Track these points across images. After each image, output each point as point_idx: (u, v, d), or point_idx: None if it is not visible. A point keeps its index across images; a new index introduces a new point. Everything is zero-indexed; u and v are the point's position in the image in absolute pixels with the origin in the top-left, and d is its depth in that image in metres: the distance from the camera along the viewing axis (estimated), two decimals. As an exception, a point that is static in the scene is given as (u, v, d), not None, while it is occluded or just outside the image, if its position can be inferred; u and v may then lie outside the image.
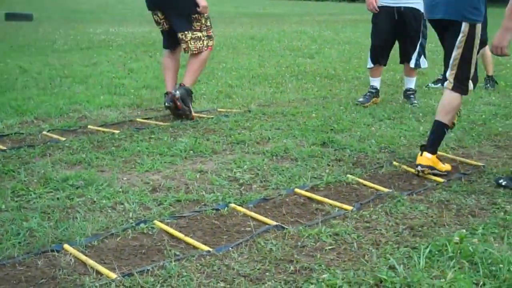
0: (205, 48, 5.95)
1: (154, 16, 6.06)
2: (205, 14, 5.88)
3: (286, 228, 3.21)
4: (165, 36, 6.16)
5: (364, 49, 12.50)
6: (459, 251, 2.89)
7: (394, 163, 4.44)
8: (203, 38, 5.90)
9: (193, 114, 5.89)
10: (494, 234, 3.17)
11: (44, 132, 5.29)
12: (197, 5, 5.77)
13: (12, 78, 8.20)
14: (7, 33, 14.92)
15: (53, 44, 12.44)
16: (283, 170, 4.26)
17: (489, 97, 7.18)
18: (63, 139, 5.02)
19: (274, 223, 3.29)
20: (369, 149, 4.81)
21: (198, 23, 5.87)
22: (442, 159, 4.48)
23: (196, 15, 5.83)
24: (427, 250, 2.91)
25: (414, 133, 5.36)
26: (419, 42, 6.62)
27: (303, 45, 13.15)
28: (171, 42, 6.08)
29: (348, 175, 4.14)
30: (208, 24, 5.95)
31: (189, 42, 5.86)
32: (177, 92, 5.75)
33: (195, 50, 5.91)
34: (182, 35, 5.86)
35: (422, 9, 5.90)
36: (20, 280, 2.67)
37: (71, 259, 2.86)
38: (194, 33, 5.85)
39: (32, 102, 6.51)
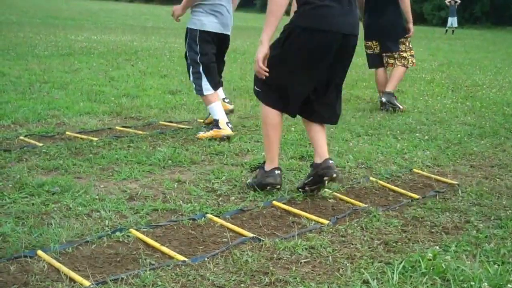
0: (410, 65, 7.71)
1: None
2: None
3: (263, 240, 3.22)
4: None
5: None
6: (432, 268, 2.91)
7: (371, 178, 4.47)
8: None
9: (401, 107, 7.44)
10: (466, 251, 3.21)
11: (21, 137, 5.25)
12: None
13: (-10, 82, 8.14)
14: (-13, 37, 14.82)
15: (33, 49, 12.37)
16: (260, 183, 4.26)
17: (465, 117, 7.27)
18: (40, 144, 4.99)
19: (251, 234, 3.29)
20: (347, 164, 4.84)
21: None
22: (417, 177, 4.53)
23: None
24: (401, 265, 2.93)
25: (391, 149, 5.40)
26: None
27: (284, 59, 13.18)
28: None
29: (325, 189, 4.16)
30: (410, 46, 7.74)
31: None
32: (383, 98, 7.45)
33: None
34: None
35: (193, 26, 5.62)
36: (-8, 285, 2.65)
37: (44, 266, 2.83)
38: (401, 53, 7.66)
39: (9, 106, 6.47)
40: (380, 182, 4.42)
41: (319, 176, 3.91)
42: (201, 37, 5.64)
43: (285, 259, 3.03)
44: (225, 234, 3.33)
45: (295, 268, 2.92)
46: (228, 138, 5.54)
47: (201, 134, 5.57)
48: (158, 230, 3.35)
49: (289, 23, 3.83)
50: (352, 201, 3.99)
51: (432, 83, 10.50)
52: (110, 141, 5.24)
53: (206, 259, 2.98)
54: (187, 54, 5.81)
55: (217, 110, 5.68)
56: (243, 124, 6.22)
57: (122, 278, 2.72)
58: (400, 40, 7.67)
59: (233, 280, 2.77)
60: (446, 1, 33.98)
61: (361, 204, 3.92)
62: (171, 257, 2.99)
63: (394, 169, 4.79)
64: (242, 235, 3.32)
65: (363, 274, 2.87)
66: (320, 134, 4.04)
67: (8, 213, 3.46)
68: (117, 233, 3.22)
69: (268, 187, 3.97)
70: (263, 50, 3.71)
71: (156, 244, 3.12)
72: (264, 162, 4.07)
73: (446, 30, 32.45)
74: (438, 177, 4.62)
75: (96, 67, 10.45)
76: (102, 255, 2.99)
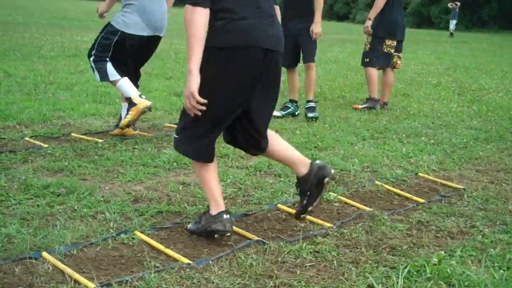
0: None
1: None
2: None
3: (267, 243, 3.21)
4: None
5: (350, 68, 12.60)
6: (437, 273, 2.90)
7: (376, 182, 4.46)
8: None
9: None
10: (472, 256, 3.20)
11: (27, 138, 5.26)
12: None
13: (-4, 82, 8.16)
14: (-7, 37, 14.86)
15: (39, 50, 12.39)
16: (266, 186, 4.26)
17: (471, 121, 7.25)
18: (46, 146, 5.00)
19: (255, 238, 3.29)
20: (352, 168, 4.83)
21: None
22: (423, 181, 4.52)
23: None
24: (406, 270, 2.92)
25: (396, 153, 5.39)
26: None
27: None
28: None
29: (330, 193, 4.15)
30: None
31: None
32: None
33: None
34: None
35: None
36: (-4, 287, 2.65)
37: (49, 267, 2.84)
38: None
39: (15, 107, 6.48)
40: (386, 186, 4.41)
41: (317, 184, 3.40)
42: (119, 40, 5.37)
43: (289, 262, 3.03)
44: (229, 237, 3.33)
45: (299, 272, 2.92)
46: (149, 109, 5.43)
47: (123, 122, 5.39)
48: (162, 233, 3.35)
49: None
50: (357, 205, 3.98)
51: (438, 86, 10.48)
52: (115, 143, 5.24)
53: (210, 262, 2.98)
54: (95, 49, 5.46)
55: (127, 87, 5.38)
56: (248, 127, 6.20)
57: (127, 281, 2.71)
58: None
59: (238, 284, 2.77)
60: (448, 4, 33.98)
61: (366, 208, 3.91)
62: (175, 260, 2.99)
63: (399, 173, 4.77)
64: (246, 238, 3.32)
65: (368, 278, 2.86)
66: (283, 146, 3.60)
67: (13, 214, 3.46)
68: (122, 235, 3.22)
69: (216, 235, 3.24)
70: (194, 80, 3.07)
71: (161, 247, 3.12)
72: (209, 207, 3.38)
73: (451, 33, 32.40)
74: (443, 182, 4.60)
75: (102, 68, 10.43)
76: (107, 257, 2.99)
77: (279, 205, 3.86)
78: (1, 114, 6.10)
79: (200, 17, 3.03)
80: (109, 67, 5.39)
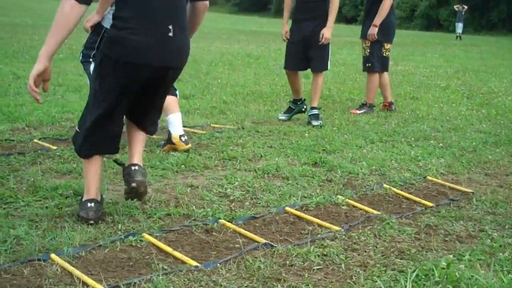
0: None
1: None
2: None
3: (275, 246, 3.21)
4: None
5: (359, 71, 12.57)
6: (445, 277, 2.89)
7: (385, 185, 4.45)
8: None
9: None
10: (480, 260, 3.18)
11: (35, 140, 5.28)
12: None
13: (5, 84, 8.20)
14: (1, 39, 14.93)
15: (48, 52, 12.40)
16: (274, 188, 4.26)
17: (480, 124, 7.23)
18: (54, 147, 5.01)
19: (263, 240, 3.29)
20: (360, 171, 4.82)
21: None
22: (431, 184, 4.51)
23: None
24: (414, 274, 2.92)
25: (405, 157, 5.38)
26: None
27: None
28: None
29: (339, 196, 4.15)
30: None
31: None
32: None
33: None
34: None
35: None
36: (5, 288, 2.66)
37: (57, 269, 2.84)
38: None
39: (24, 109, 6.51)
40: (394, 189, 4.40)
41: (125, 181, 3.59)
42: None
43: (297, 265, 3.02)
44: (237, 239, 3.33)
45: (307, 275, 2.91)
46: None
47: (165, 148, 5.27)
48: (170, 235, 3.35)
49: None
50: (365, 208, 3.97)
51: (447, 89, 10.45)
52: (123, 145, 5.23)
53: (218, 264, 2.97)
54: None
55: (173, 122, 5.26)
56: (256, 129, 6.21)
57: (135, 283, 2.72)
58: None
59: (246, 286, 2.77)
60: (454, 7, 33.92)
61: (374, 211, 3.91)
62: (183, 262, 2.99)
63: (408, 177, 4.76)
64: (254, 241, 3.31)
65: (376, 282, 2.85)
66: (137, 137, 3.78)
67: (22, 216, 3.48)
68: (130, 238, 3.22)
69: (83, 222, 3.38)
70: (37, 66, 3.15)
71: (169, 249, 3.12)
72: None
73: (457, 37, 32.31)
74: (452, 185, 4.59)
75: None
76: (115, 259, 2.99)
77: (287, 208, 3.86)
78: (10, 116, 6.12)
79: (70, 10, 3.13)
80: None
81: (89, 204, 3.41)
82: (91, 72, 3.51)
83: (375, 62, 7.55)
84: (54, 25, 3.10)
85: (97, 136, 3.46)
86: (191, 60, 12.64)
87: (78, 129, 3.53)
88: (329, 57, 6.80)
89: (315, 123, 6.60)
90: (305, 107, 7.01)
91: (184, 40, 3.48)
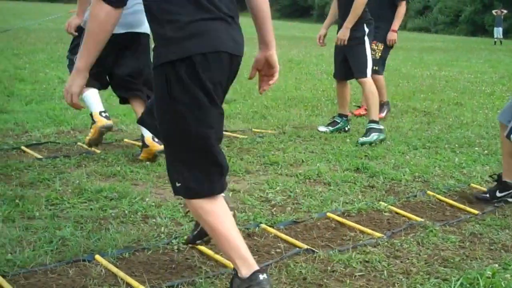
0: None
1: None
2: None
3: (316, 252, 3.20)
4: None
5: (402, 76, 12.47)
6: (490, 286, 2.85)
7: (428, 192, 4.40)
8: None
9: None
10: (527, 270, 3.12)
11: (80, 143, 5.37)
12: None
13: (51, 88, 8.37)
14: (48, 44, 15.22)
15: (93, 56, 12.61)
16: (315, 194, 4.25)
17: (527, 131, 7.07)
18: (99, 151, 5.09)
19: (305, 246, 3.28)
20: (403, 178, 4.78)
21: None
22: (475, 192, 4.44)
23: None
24: (458, 282, 2.88)
25: (449, 163, 5.30)
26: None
27: (340, 69, 13.14)
28: None
29: (381, 202, 4.11)
30: None
31: None
32: None
33: None
34: None
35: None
36: (51, 288, 2.71)
37: (102, 270, 2.88)
38: None
39: (69, 112, 6.62)
40: (438, 196, 4.34)
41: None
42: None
43: (339, 271, 3.01)
44: (278, 244, 3.33)
45: (349, 281, 2.90)
46: (108, 129, 4.93)
47: (85, 141, 5.07)
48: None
49: (154, 62, 2.52)
50: (408, 215, 3.93)
51: (492, 95, 10.28)
52: (166, 148, 5.29)
53: (260, 269, 2.97)
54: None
55: (91, 100, 4.88)
56: (298, 134, 6.21)
57: (177, 285, 2.74)
58: None
59: (287, 291, 2.76)
60: (493, 12, 33.47)
61: (417, 218, 3.86)
62: (225, 266, 3.00)
63: (451, 184, 4.70)
64: (296, 246, 3.31)
65: (419, 290, 2.82)
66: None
67: (68, 218, 3.54)
68: (173, 241, 3.25)
69: None
70: (79, 82, 2.58)
71: (211, 252, 3.13)
72: (236, 271, 2.54)
73: (495, 42, 31.78)
74: (497, 193, 4.50)
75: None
76: (158, 262, 3.03)
77: (329, 214, 3.85)
78: (56, 120, 6.25)
79: (106, 17, 2.48)
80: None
81: (261, 277, 2.49)
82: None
83: (380, 66, 7.34)
84: (90, 35, 2.53)
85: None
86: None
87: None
88: (368, 63, 6.17)
89: (359, 139, 5.96)
90: (349, 127, 6.52)
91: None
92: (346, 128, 6.51)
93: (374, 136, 5.95)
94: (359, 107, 7.83)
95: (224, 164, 2.57)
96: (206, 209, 2.53)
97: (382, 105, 7.45)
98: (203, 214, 2.54)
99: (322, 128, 6.48)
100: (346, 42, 6.15)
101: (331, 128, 6.47)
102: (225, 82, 2.60)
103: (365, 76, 6.18)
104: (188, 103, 2.44)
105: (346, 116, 6.58)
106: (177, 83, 2.42)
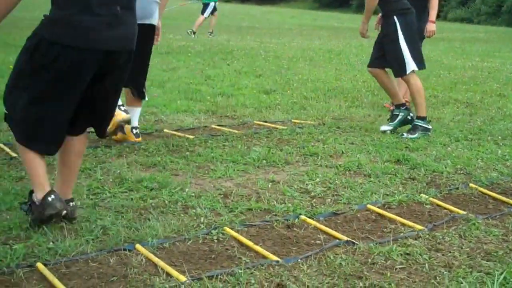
0: None
1: None
2: None
3: (357, 244, 3.18)
4: None
5: (444, 67, 12.29)
6: (535, 281, 2.79)
7: (470, 185, 4.33)
8: None
9: None
10: None
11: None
12: None
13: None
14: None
15: (134, 48, 12.71)
16: (355, 185, 4.22)
17: None
18: (139, 141, 5.13)
19: (345, 238, 3.25)
20: (445, 170, 4.71)
21: None
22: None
23: None
24: (502, 276, 2.83)
25: (492, 156, 5.21)
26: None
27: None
28: None
29: (422, 195, 4.06)
30: None
31: None
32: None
33: None
34: None
35: None
36: (92, 276, 2.74)
37: (142, 259, 2.90)
38: None
39: (111, 103, 6.67)
40: (480, 189, 4.27)
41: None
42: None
43: (379, 264, 2.98)
44: (318, 236, 3.32)
45: (390, 274, 2.87)
46: (127, 123, 5.06)
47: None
48: (252, 229, 3.37)
49: (38, 27, 3.02)
50: (450, 207, 3.87)
51: (537, 87, 10.06)
52: (206, 139, 5.32)
53: (299, 260, 2.96)
54: None
55: None
56: (337, 125, 6.17)
57: (217, 275, 2.75)
58: None
59: (327, 283, 2.75)
60: None
61: (459, 211, 3.80)
62: (264, 257, 3.00)
63: (494, 176, 4.61)
64: (335, 238, 3.29)
65: (462, 283, 2.78)
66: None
67: (109, 207, 3.58)
68: (212, 231, 3.26)
69: (54, 219, 3.13)
70: None
71: (250, 243, 3.13)
72: (31, 194, 3.23)
73: None
74: (542, 186, 4.41)
75: (193, 66, 10.66)
76: (197, 252, 3.04)
77: (369, 206, 3.81)
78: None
79: None
80: None
81: (49, 198, 3.10)
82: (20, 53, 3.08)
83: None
84: None
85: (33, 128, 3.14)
86: (272, 55, 12.75)
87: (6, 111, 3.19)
88: (406, 58, 5.85)
89: (404, 134, 5.83)
90: (412, 114, 6.06)
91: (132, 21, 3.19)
92: (409, 117, 6.03)
93: (419, 134, 5.80)
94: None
95: None
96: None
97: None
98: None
99: (384, 128, 6.02)
100: (366, 37, 6.20)
101: (394, 123, 6.03)
102: None
103: (404, 74, 5.90)
104: None
105: (404, 104, 6.13)
106: None
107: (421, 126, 5.86)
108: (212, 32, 18.00)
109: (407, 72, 5.88)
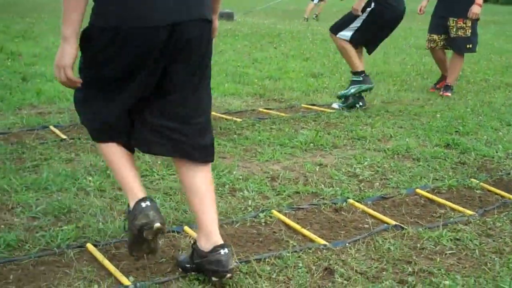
0: None
1: None
2: None
3: (405, 229, 3.14)
4: None
5: (494, 50, 12.01)
6: None
7: (523, 170, 4.24)
8: None
9: None
10: None
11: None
12: None
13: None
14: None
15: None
16: (404, 169, 4.17)
17: None
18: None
19: (393, 222, 3.22)
20: (496, 155, 4.61)
21: None
22: None
23: None
24: (555, 264, 2.76)
25: (545, 140, 5.08)
26: None
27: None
28: None
29: (472, 179, 3.99)
30: None
31: None
32: None
33: None
34: None
35: None
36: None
37: (190, 241, 2.92)
38: None
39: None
40: (533, 174, 4.18)
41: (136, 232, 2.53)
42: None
43: (429, 249, 2.95)
44: (366, 220, 3.29)
45: (439, 259, 2.83)
46: None
47: None
48: (299, 213, 3.36)
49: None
50: (501, 193, 3.79)
51: None
52: (253, 122, 5.32)
53: (347, 244, 2.95)
54: None
55: None
56: (386, 109, 6.09)
57: (265, 258, 2.75)
58: None
59: (375, 267, 2.73)
60: None
61: (511, 196, 3.73)
62: (312, 240, 2.99)
63: (548, 161, 4.50)
64: (384, 222, 3.26)
65: (513, 270, 2.73)
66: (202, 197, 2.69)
67: (157, 189, 3.61)
68: (260, 214, 3.26)
69: (145, 231, 2.47)
70: (71, 51, 2.36)
71: (297, 227, 3.13)
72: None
73: None
74: None
75: (240, 49, 10.65)
76: (245, 235, 3.05)
77: (418, 190, 3.77)
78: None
79: None
80: None
81: (143, 205, 2.52)
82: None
83: (474, 43, 7.02)
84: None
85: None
86: (320, 38, 12.64)
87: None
88: (348, 27, 6.02)
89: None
90: (370, 85, 6.24)
91: None
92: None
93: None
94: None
95: None
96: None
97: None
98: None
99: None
100: (358, 14, 5.99)
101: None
102: None
103: (336, 33, 6.10)
104: None
105: (362, 72, 6.17)
106: None
107: (355, 80, 6.09)
108: (317, 15, 18.87)
109: (338, 34, 6.06)
